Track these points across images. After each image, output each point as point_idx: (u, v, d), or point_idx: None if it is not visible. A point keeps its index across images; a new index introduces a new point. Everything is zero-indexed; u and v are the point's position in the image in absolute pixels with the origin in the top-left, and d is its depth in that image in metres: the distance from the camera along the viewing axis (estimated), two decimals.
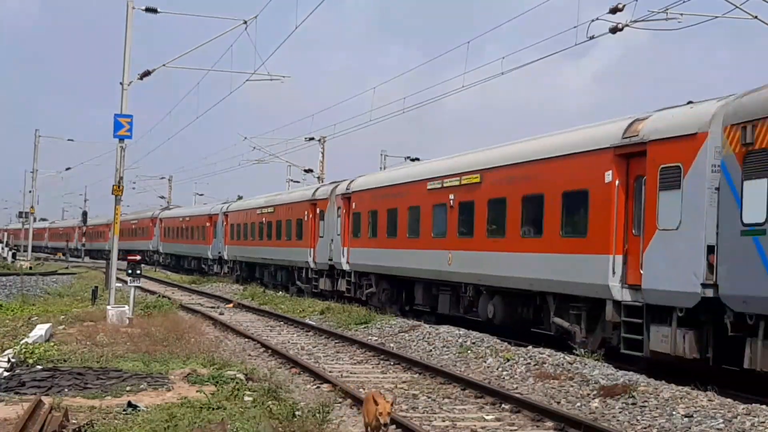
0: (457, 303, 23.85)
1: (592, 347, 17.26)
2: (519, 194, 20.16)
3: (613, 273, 16.49)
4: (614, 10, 18.68)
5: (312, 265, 35.13)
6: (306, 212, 35.89)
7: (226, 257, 50.28)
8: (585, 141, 18.08)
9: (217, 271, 51.96)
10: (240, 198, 54.77)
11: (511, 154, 21.26)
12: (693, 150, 14.79)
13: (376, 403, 9.56)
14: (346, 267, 31.39)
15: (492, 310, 21.55)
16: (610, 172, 16.83)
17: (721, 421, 11.68)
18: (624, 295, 16.30)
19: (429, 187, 25.03)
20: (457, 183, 23.38)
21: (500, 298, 21.28)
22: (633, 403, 13.01)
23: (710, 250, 14.27)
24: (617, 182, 16.68)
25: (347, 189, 31.82)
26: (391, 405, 9.66)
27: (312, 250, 34.95)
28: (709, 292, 14.18)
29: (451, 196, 23.53)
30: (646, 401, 13.01)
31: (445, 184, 24.09)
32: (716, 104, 14.80)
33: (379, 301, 28.73)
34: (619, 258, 16.55)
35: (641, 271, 15.80)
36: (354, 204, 31.03)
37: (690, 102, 15.95)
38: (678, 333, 14.76)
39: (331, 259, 32.83)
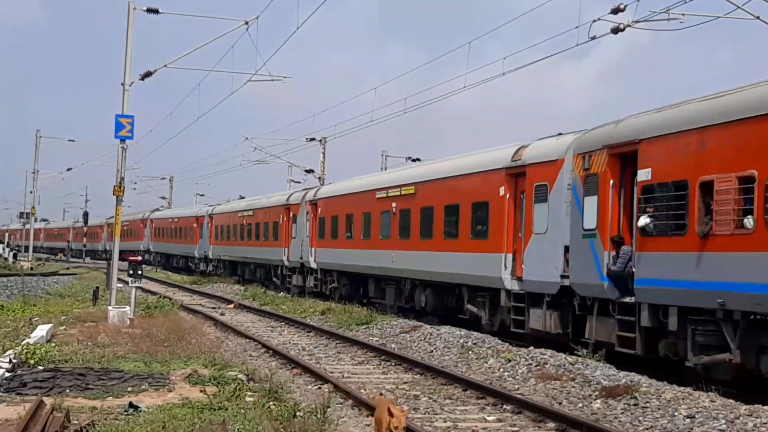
0: (399, 295, 27.72)
1: (494, 328, 21.49)
2: (442, 204, 24.36)
3: (505, 268, 20.62)
4: (616, 11, 18.66)
5: (286, 263, 38.70)
6: (281, 216, 39.47)
7: (210, 256, 53.81)
8: (487, 162, 22.20)
9: (203, 269, 55.30)
10: (242, 198, 55.16)
11: (437, 170, 25.74)
12: (555, 172, 18.85)
13: (391, 414, 9.30)
14: (313, 265, 35.22)
15: (424, 299, 25.70)
16: (503, 187, 20.95)
17: (724, 422, 11.66)
18: (512, 285, 20.41)
19: (377, 196, 29.07)
20: (398, 193, 27.56)
21: (430, 290, 25.37)
22: (635, 404, 12.99)
23: (566, 249, 18.23)
24: (508, 196, 20.83)
25: (314, 196, 35.83)
26: (405, 416, 9.46)
27: (286, 249, 38.49)
28: (566, 282, 18.10)
29: (394, 204, 27.66)
30: (648, 402, 13.00)
31: (389, 194, 28.20)
32: (571, 137, 18.76)
33: (341, 296, 32.33)
34: (510, 256, 20.66)
35: (522, 266, 19.99)
36: (320, 209, 35.01)
37: (559, 133, 19.70)
38: (547, 314, 18.89)
39: (301, 258, 36.46)
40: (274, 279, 41.03)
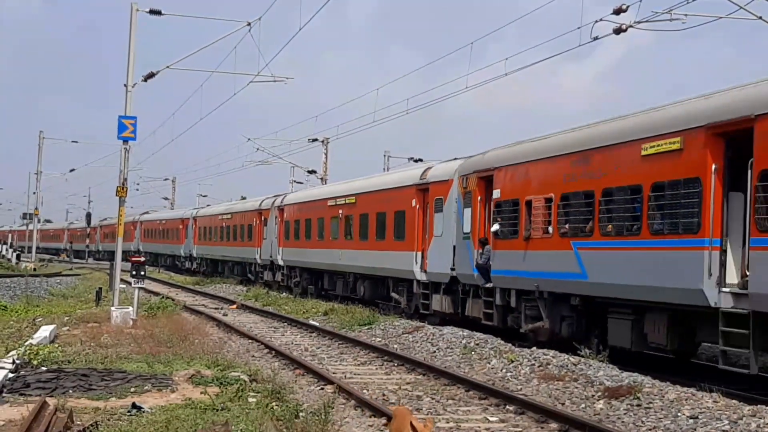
0: (345, 286, 32.87)
1: (410, 311, 26.83)
2: (374, 211, 29.78)
3: (416, 263, 26.10)
4: (618, 11, 18.63)
5: (259, 261, 43.88)
6: (254, 219, 44.39)
7: (194, 255, 58.54)
8: (404, 179, 28.08)
9: (188, 267, 59.91)
10: (243, 198, 55.46)
11: (371, 184, 31.54)
12: (447, 189, 24.48)
13: (414, 429, 8.65)
14: (281, 262, 40.45)
15: (363, 290, 31.02)
16: (414, 199, 26.62)
17: (727, 422, 11.65)
18: (421, 277, 25.91)
19: (329, 204, 34.44)
20: (343, 202, 32.95)
21: (368, 282, 30.74)
22: (638, 405, 12.99)
23: (454, 249, 23.64)
24: (418, 206, 26.43)
25: (281, 202, 40.77)
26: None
27: (259, 249, 43.68)
28: (454, 273, 23.72)
29: (340, 211, 33.14)
30: (651, 402, 12.99)
31: (337, 202, 33.60)
32: (459, 162, 24.25)
33: (303, 288, 37.53)
34: (419, 254, 26.12)
35: (427, 261, 25.61)
36: (285, 214, 40.09)
37: (455, 158, 25.13)
38: (443, 298, 24.51)
39: (271, 257, 41.57)
40: (249, 275, 46.05)
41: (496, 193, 21.16)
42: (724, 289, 14.05)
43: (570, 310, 18.36)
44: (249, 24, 25.65)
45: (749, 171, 13.56)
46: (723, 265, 14.21)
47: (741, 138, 13.92)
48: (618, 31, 18.96)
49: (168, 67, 27.15)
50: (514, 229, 20.14)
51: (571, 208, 18.13)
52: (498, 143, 24.37)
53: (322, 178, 50.76)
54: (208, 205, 62.88)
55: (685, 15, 18.39)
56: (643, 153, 15.72)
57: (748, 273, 13.72)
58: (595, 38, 19.07)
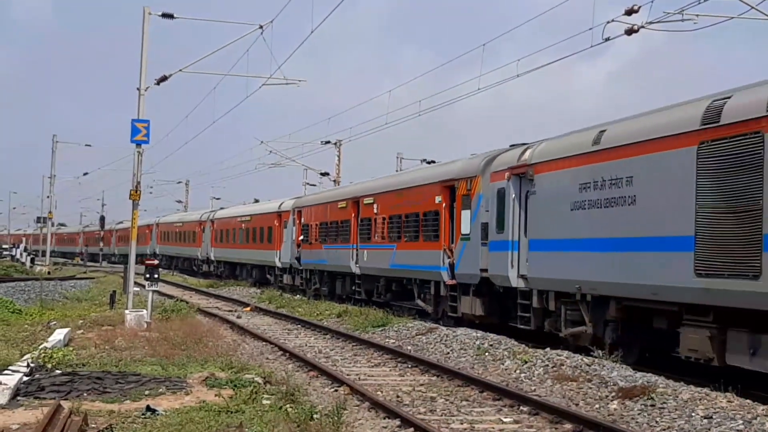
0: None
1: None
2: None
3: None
4: (630, 12, 18.59)
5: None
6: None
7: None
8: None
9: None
10: (256, 201, 55.60)
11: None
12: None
13: None
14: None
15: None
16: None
17: (741, 422, 11.60)
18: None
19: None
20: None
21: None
22: (652, 405, 12.94)
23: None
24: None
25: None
26: None
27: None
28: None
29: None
30: (665, 403, 12.94)
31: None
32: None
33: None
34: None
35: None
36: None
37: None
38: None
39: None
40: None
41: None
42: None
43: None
44: (261, 27, 25.73)
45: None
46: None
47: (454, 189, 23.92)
48: (630, 31, 18.91)
49: (181, 70, 27.23)
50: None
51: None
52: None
53: (335, 180, 50.82)
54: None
55: (697, 15, 18.35)
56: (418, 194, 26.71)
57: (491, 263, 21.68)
58: (607, 39, 19.04)
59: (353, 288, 32.62)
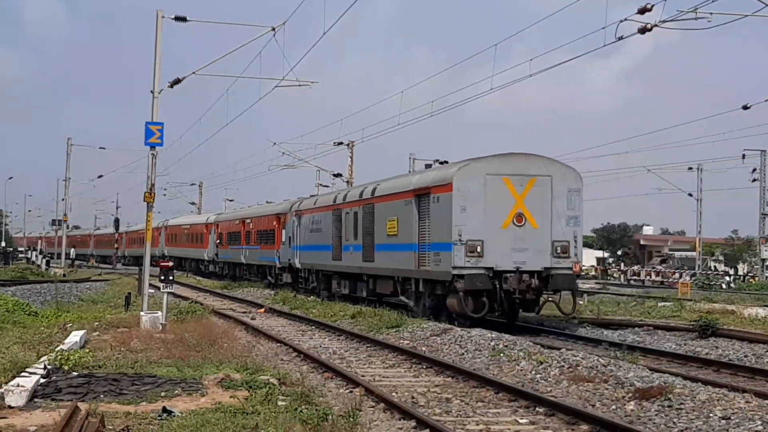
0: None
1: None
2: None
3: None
4: (643, 11, 18.49)
5: (278, 264, 45.52)
6: (274, 223, 46.44)
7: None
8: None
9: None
10: (269, 203, 56.03)
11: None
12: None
13: None
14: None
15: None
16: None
17: (760, 423, 11.54)
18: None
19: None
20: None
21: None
22: (669, 406, 12.89)
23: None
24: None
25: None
26: None
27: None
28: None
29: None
30: (682, 403, 12.89)
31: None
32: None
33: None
34: None
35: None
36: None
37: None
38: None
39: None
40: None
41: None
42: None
43: None
44: (273, 29, 25.72)
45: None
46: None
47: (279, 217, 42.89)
48: (643, 30, 18.83)
49: (194, 72, 27.26)
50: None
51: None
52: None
53: (347, 181, 50.84)
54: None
55: (711, 14, 18.24)
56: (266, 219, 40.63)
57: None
58: (620, 38, 18.96)
59: (243, 272, 53.54)
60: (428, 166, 33.77)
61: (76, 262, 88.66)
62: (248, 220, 52.65)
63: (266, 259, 47.91)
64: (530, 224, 24.06)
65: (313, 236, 37.91)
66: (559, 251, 24.15)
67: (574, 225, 24.40)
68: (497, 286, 23.65)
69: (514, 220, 23.99)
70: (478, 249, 23.61)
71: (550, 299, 24.91)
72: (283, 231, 44.05)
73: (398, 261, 27.94)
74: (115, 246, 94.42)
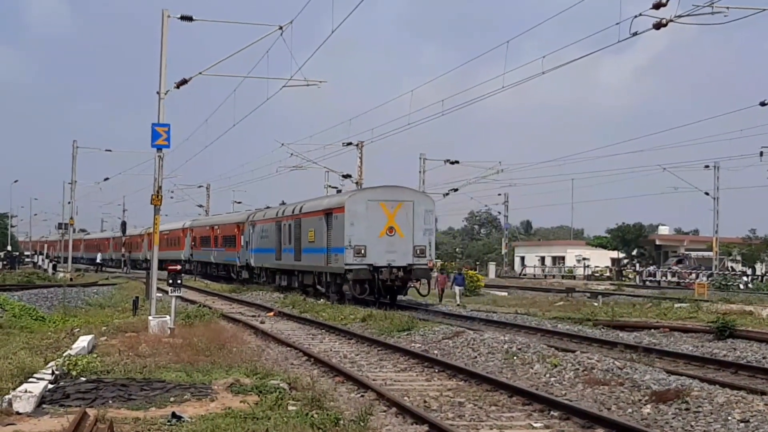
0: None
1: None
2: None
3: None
4: (657, 6, 18.24)
5: (238, 263, 54.83)
6: (235, 230, 55.69)
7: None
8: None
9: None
10: (282, 204, 57.04)
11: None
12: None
13: None
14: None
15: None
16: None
17: None
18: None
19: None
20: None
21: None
22: (686, 409, 12.68)
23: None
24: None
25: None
26: None
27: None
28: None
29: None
30: (700, 406, 12.67)
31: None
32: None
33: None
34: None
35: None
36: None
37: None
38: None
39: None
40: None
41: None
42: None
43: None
44: (281, 28, 25.52)
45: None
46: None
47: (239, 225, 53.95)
48: (658, 26, 18.57)
49: (201, 73, 27.03)
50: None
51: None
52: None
53: (357, 182, 50.70)
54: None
55: (728, 8, 17.99)
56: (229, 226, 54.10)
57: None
58: (635, 34, 18.74)
59: (214, 270, 62.77)
60: (339, 191, 47.42)
61: (82, 266, 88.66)
62: (216, 227, 62.41)
63: (229, 260, 57.65)
64: (398, 234, 34.33)
65: (263, 241, 47.70)
66: (418, 253, 34.35)
67: (429, 235, 34.76)
68: (375, 277, 33.91)
69: (387, 232, 34.26)
70: (362, 251, 33.94)
71: (411, 286, 35.85)
72: (242, 237, 53.45)
73: (315, 260, 38.11)
74: (122, 249, 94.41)
